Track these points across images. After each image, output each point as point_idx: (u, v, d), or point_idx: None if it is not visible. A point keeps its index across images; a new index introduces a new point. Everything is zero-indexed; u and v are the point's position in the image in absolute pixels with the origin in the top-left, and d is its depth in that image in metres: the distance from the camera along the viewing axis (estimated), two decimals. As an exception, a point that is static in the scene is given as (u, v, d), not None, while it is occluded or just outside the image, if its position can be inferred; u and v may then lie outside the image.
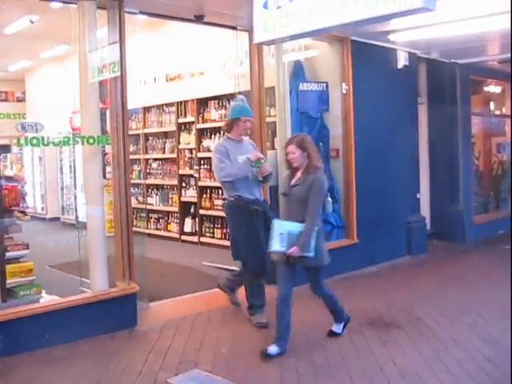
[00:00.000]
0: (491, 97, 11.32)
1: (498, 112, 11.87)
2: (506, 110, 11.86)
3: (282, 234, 4.37)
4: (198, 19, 5.86)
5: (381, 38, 7.07)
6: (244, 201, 5.04)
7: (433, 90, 9.23)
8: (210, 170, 8.48)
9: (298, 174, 4.52)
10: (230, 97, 7.89)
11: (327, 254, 4.63)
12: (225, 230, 8.33)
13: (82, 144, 5.00)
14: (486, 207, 10.73)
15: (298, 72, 7.01)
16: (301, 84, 6.83)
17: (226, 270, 6.99)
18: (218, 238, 8.43)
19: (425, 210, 9.00)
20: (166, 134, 9.68)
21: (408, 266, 7.69)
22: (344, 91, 7.05)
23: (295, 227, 4.38)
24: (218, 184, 8.31)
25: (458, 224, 9.31)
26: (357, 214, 7.22)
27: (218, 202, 8.35)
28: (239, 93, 6.93)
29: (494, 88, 10.99)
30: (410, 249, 8.17)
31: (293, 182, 4.50)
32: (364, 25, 4.25)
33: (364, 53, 7.32)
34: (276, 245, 4.39)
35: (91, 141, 4.97)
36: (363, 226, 7.29)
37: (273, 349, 4.44)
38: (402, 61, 7.81)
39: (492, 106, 11.54)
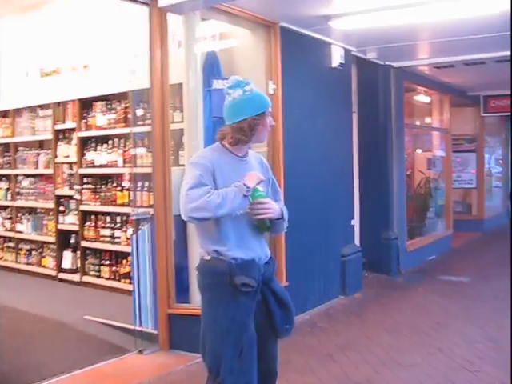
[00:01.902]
0: (419, 107, 10.25)
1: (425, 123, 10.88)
2: (432, 122, 10.87)
3: None
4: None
5: (317, 25, 5.61)
6: (227, 264, 2.84)
7: (364, 96, 7.87)
8: (94, 191, 6.64)
9: None
10: (122, 97, 6.19)
11: None
12: (114, 268, 6.51)
13: None
14: (413, 231, 9.57)
15: (211, 66, 5.36)
16: (215, 81, 5.19)
17: (116, 327, 5.24)
18: (106, 278, 6.56)
19: (355, 237, 7.61)
20: (40, 144, 7.72)
21: (346, 312, 6.20)
22: (271, 91, 5.46)
23: None
24: (105, 208, 6.58)
25: (392, 253, 8.01)
26: (286, 249, 5.66)
27: (105, 232, 6.52)
28: (133, 91, 5.30)
29: (423, 98, 9.88)
30: (344, 287, 6.72)
31: None
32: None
33: (295, 45, 5.82)
34: None
35: None
36: (293, 263, 5.75)
37: None
38: (337, 58, 6.37)
39: (420, 117, 10.52)
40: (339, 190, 6.65)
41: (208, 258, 2.92)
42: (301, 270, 5.87)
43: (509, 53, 7.09)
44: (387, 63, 7.83)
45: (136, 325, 4.94)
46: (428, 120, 10.94)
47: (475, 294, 7.07)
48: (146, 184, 5.45)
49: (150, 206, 5.13)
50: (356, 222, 7.55)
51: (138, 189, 5.64)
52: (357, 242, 7.58)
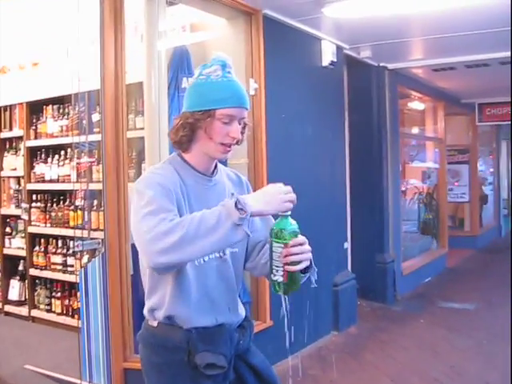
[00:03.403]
0: (412, 115, 9.44)
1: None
2: (425, 132, 10.06)
3: None
4: None
5: (308, 13, 4.73)
6: (184, 334, 1.91)
7: (356, 101, 6.97)
8: (44, 210, 5.64)
9: None
10: (76, 99, 5.23)
11: None
12: (67, 302, 5.51)
13: None
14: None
15: (180, 62, 4.46)
16: (185, 80, 4.31)
17: (61, 381, 4.26)
18: (58, 313, 5.54)
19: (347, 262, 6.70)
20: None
21: (341, 353, 5.26)
22: (253, 91, 4.53)
23: None
24: (56, 231, 5.58)
25: (388, 277, 7.11)
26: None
27: (57, 259, 5.52)
28: (76, 94, 4.37)
29: (417, 104, 9.05)
30: (337, 321, 5.81)
31: None
32: None
33: (280, 38, 4.94)
34: None
35: None
36: (278, 298, 4.81)
37: None
38: (328, 55, 5.48)
39: (412, 126, 9.71)
40: (331, 209, 5.74)
41: (155, 323, 1.96)
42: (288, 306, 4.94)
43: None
44: (381, 64, 6.98)
45: (84, 379, 3.98)
46: (415, 130, 10.13)
47: (484, 326, 6.20)
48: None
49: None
50: (348, 244, 6.63)
51: (94, 209, 4.73)
52: (349, 266, 6.66)
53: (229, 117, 1.88)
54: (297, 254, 1.79)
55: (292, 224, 1.80)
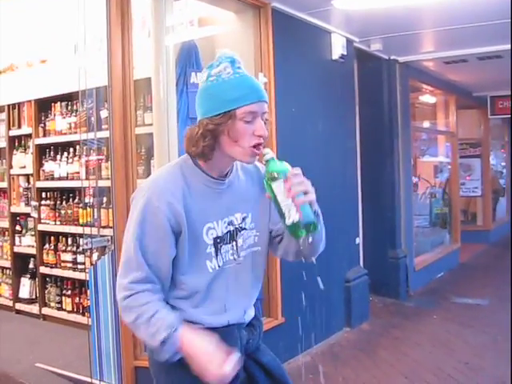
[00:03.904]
0: (423, 109, 9.34)
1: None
2: (437, 125, 9.95)
3: None
4: None
5: (317, 6, 4.66)
6: None
7: (367, 96, 6.88)
8: (54, 208, 5.62)
9: None
10: (84, 96, 5.19)
11: None
12: (78, 299, 5.49)
13: None
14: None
15: (188, 57, 4.40)
16: (193, 75, 4.26)
17: (72, 379, 4.23)
18: (68, 311, 5.53)
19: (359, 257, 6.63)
20: (-3, 153, 6.69)
21: (353, 350, 5.21)
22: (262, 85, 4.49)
23: None
24: (66, 229, 5.57)
25: (401, 273, 7.04)
26: (282, 278, 4.69)
27: (67, 257, 5.49)
28: (84, 90, 4.33)
29: (429, 98, 8.95)
30: (349, 318, 5.75)
31: None
32: None
33: (289, 31, 4.86)
34: None
35: None
36: (290, 295, 4.78)
37: None
38: (338, 48, 5.41)
39: (424, 120, 9.61)
40: (342, 204, 5.66)
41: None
42: (300, 302, 4.88)
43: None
44: (392, 57, 6.89)
45: (95, 377, 3.96)
46: (427, 124, 10.03)
47: (498, 321, 6.09)
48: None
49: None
50: (359, 239, 6.56)
51: (103, 206, 4.69)
52: (361, 262, 6.60)
53: (251, 114, 1.77)
54: (299, 183, 1.72)
55: (281, 162, 1.77)
